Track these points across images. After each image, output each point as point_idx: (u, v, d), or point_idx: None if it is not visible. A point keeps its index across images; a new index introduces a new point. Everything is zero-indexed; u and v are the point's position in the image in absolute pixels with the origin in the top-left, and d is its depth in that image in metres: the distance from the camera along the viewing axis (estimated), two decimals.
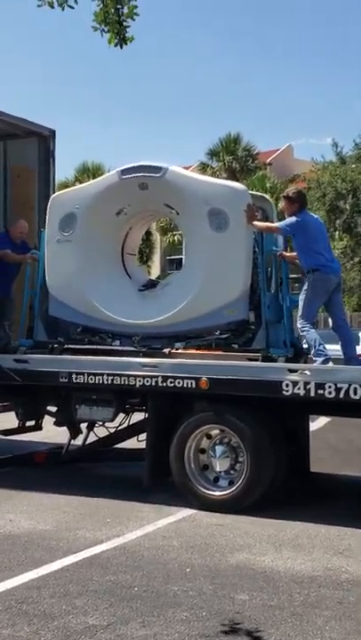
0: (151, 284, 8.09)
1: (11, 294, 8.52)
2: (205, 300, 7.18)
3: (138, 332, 7.50)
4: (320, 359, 6.72)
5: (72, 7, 7.56)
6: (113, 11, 7.48)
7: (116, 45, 7.69)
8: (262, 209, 7.63)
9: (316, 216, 7.32)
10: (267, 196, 8.30)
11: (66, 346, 7.84)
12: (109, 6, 7.46)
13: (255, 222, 7.10)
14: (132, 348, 7.48)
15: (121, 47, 7.68)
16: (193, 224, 7.37)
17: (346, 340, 7.12)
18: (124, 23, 7.59)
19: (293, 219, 6.98)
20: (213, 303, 7.15)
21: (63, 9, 7.52)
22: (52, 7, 7.57)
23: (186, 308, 7.25)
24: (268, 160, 39.51)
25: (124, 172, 7.57)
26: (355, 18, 72.19)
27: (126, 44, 7.69)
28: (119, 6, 7.53)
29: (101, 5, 7.51)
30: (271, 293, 7.28)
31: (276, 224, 7.26)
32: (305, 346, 7.17)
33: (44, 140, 9.11)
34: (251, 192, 7.69)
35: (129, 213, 7.81)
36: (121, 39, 7.65)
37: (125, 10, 7.51)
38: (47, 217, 7.99)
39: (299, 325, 6.96)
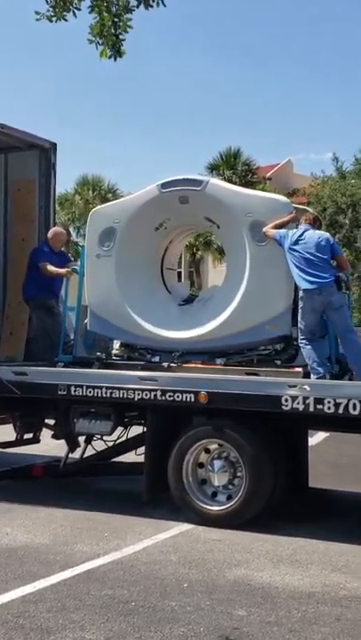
0: (191, 299, 8.00)
1: (57, 306, 8.56)
2: (247, 314, 7.11)
3: (178, 348, 7.44)
4: (314, 377, 6.72)
5: (66, 20, 7.67)
6: (110, 24, 7.57)
7: (109, 58, 7.79)
8: None
9: (317, 233, 7.08)
10: (309, 209, 8.13)
11: (105, 361, 7.81)
12: (106, 19, 7.56)
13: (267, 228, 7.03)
14: (173, 364, 7.42)
15: (115, 60, 7.79)
16: (234, 237, 7.30)
17: (351, 357, 7.00)
18: (120, 36, 7.69)
19: (283, 231, 6.99)
20: (255, 318, 7.07)
21: (57, 21, 7.62)
22: (51, 21, 7.69)
23: (226, 324, 7.18)
24: (268, 174, 39.65)
25: (164, 185, 7.54)
26: (355, 32, 72.70)
27: (121, 56, 7.79)
28: (116, 19, 7.63)
29: (98, 18, 7.61)
30: None
31: (273, 231, 7.08)
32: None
33: (45, 153, 9.14)
34: (294, 205, 7.61)
35: (169, 227, 7.78)
36: (116, 52, 7.75)
37: (120, 23, 7.64)
38: (87, 231, 8.00)
39: (299, 340, 6.96)
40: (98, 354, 7.91)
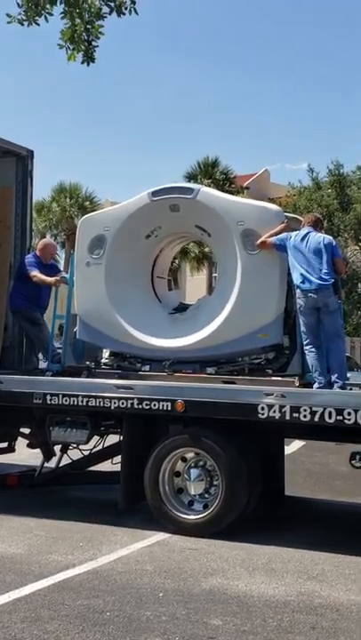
0: (182, 308, 7.97)
1: (42, 318, 8.49)
2: (238, 323, 7.10)
3: (168, 357, 7.41)
4: (316, 385, 6.74)
5: (38, 24, 7.73)
6: (82, 30, 7.65)
7: (82, 63, 7.87)
8: (295, 230, 7.44)
9: (319, 235, 7.07)
10: (300, 218, 8.13)
11: (95, 370, 7.76)
12: (79, 26, 7.63)
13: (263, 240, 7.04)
14: (163, 373, 7.38)
15: (88, 65, 7.87)
16: (225, 245, 7.30)
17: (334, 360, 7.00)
18: (93, 43, 7.77)
19: (282, 235, 7.02)
20: (246, 327, 7.06)
21: (28, 25, 7.68)
22: (22, 25, 7.73)
23: (218, 332, 7.17)
24: (246, 184, 39.79)
25: (154, 193, 7.52)
26: (330, 42, 73.39)
27: (93, 62, 7.88)
28: (88, 26, 7.70)
29: (69, 24, 7.67)
30: None
31: (270, 239, 7.10)
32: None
33: (21, 160, 9.10)
34: (285, 213, 7.62)
35: (159, 235, 7.76)
36: (88, 58, 7.83)
37: (92, 30, 7.73)
38: (77, 239, 7.95)
39: (304, 346, 6.92)
40: (87, 363, 7.87)
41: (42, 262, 8.44)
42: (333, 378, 6.87)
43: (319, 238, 7.04)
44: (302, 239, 7.00)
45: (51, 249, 8.81)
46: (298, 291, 6.93)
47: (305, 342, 6.91)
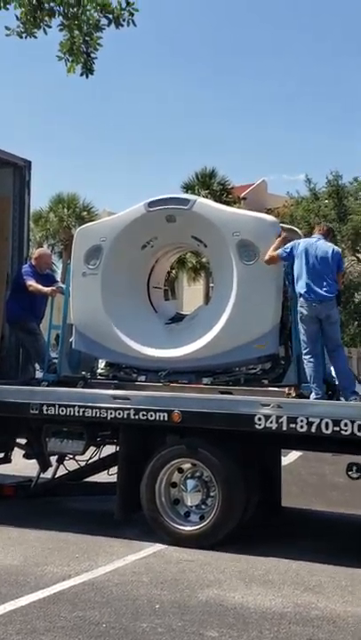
0: (178, 318, 7.98)
1: (39, 327, 8.47)
2: (234, 333, 7.10)
3: (164, 367, 7.41)
4: (313, 396, 6.74)
5: (36, 37, 7.82)
6: (81, 41, 7.72)
7: (81, 75, 7.94)
8: (291, 241, 7.52)
9: (328, 244, 7.07)
10: (296, 229, 8.20)
11: (91, 381, 7.75)
12: (77, 38, 7.71)
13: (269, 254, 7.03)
14: (159, 384, 7.37)
15: (87, 77, 7.94)
16: (221, 256, 7.31)
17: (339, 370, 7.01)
18: (91, 54, 7.85)
19: (288, 245, 7.01)
20: (242, 337, 7.06)
21: (26, 37, 7.77)
22: (21, 37, 7.82)
23: (213, 342, 7.17)
24: (243, 194, 39.89)
25: (150, 204, 7.54)
26: (327, 53, 73.75)
27: (92, 74, 7.95)
28: (87, 38, 7.78)
29: (68, 36, 7.75)
30: None
31: (275, 252, 7.07)
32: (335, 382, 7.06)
33: (19, 171, 9.13)
34: (281, 224, 7.63)
35: (155, 246, 7.78)
36: (87, 69, 7.91)
37: (91, 42, 7.81)
38: (73, 249, 7.96)
39: (303, 355, 6.91)
40: (83, 373, 7.86)
41: (38, 272, 8.44)
42: (344, 384, 6.85)
43: (328, 247, 7.03)
44: (311, 246, 6.98)
45: (46, 258, 8.80)
46: (301, 299, 6.91)
47: (304, 351, 6.90)
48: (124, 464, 7.14)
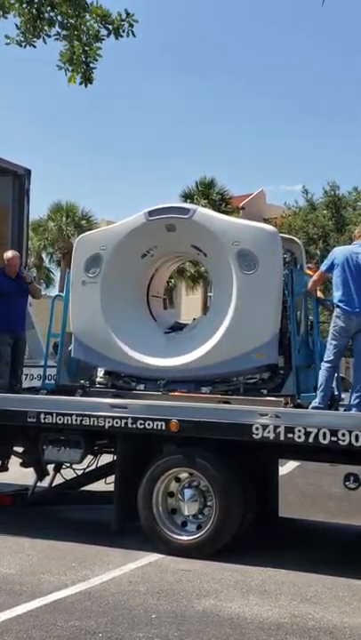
0: (178, 327, 7.96)
1: (23, 335, 8.43)
2: (233, 343, 7.08)
3: (163, 376, 7.41)
4: (312, 404, 6.73)
5: (35, 47, 7.91)
6: (80, 52, 7.80)
7: (80, 84, 8.02)
8: (291, 251, 7.54)
9: None
10: (296, 239, 8.18)
11: (89, 389, 7.74)
12: (76, 47, 7.79)
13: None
14: (158, 392, 7.37)
15: (85, 86, 8.02)
16: (221, 266, 7.30)
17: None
18: (91, 64, 7.93)
19: (327, 260, 7.01)
20: (241, 347, 7.05)
21: (26, 46, 7.87)
22: (21, 46, 7.90)
23: (213, 352, 7.16)
24: (242, 204, 40.00)
25: (151, 213, 7.54)
26: (325, 65, 74.04)
27: (91, 83, 8.03)
28: (86, 48, 7.86)
29: (68, 46, 7.83)
30: (301, 337, 7.24)
31: (317, 275, 7.16)
32: (335, 392, 7.05)
33: (18, 179, 9.17)
34: (280, 234, 7.61)
35: (155, 255, 7.78)
36: (86, 79, 7.98)
37: (90, 52, 7.91)
38: (73, 257, 7.95)
39: (324, 361, 6.86)
40: (81, 381, 7.86)
41: (9, 277, 8.35)
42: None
43: None
44: (351, 254, 6.88)
45: (14, 260, 8.45)
46: (337, 310, 6.84)
47: (326, 359, 6.83)
48: (121, 473, 7.13)
